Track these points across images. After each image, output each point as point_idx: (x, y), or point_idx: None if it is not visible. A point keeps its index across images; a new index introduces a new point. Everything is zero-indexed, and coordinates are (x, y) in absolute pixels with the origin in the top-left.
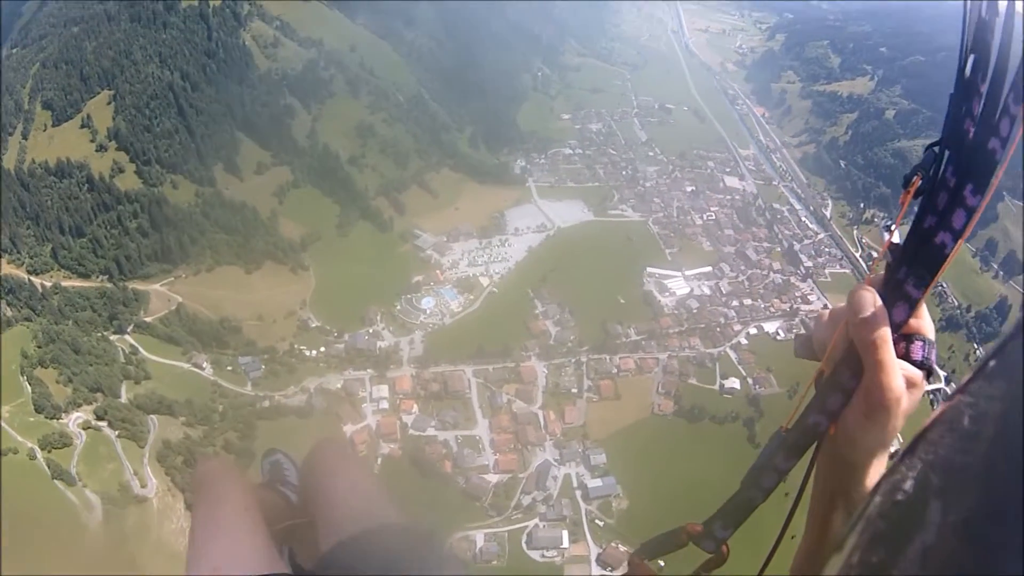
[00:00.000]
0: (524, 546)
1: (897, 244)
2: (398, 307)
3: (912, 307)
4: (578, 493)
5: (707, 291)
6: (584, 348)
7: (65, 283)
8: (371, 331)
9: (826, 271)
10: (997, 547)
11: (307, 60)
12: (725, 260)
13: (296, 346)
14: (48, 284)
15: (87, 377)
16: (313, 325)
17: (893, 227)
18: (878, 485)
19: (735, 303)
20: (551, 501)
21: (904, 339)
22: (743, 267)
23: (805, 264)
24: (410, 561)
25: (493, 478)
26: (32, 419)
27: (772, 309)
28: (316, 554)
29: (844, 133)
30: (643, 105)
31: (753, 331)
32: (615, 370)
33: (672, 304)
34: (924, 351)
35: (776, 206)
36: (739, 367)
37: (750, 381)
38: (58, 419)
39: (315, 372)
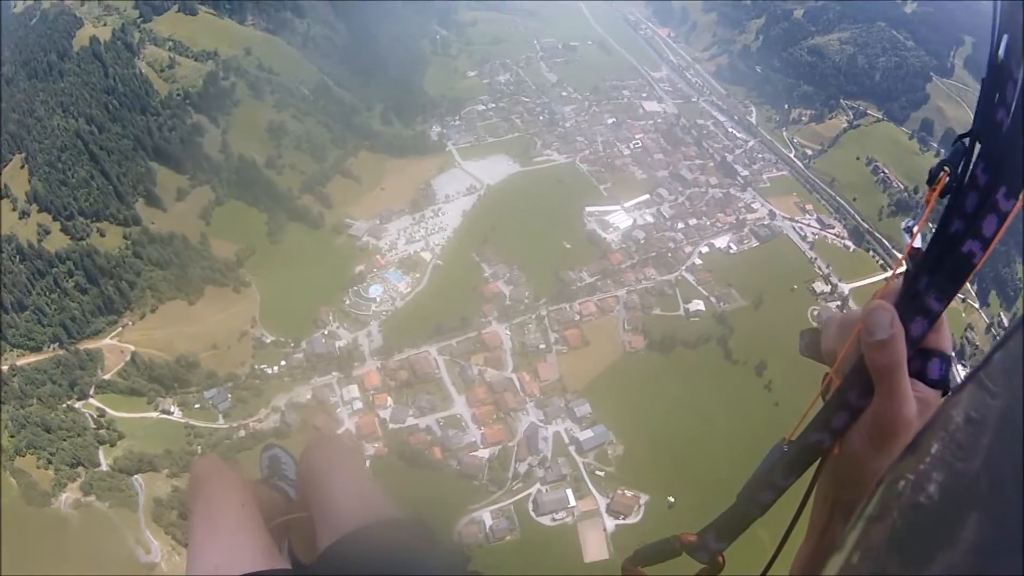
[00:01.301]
0: (532, 514)
1: (918, 249)
2: (347, 302)
3: (931, 322)
4: (571, 449)
5: (650, 219)
6: (541, 301)
7: (20, 362)
8: (326, 332)
9: (764, 176)
10: (1005, 551)
11: (206, 74)
12: (661, 185)
13: (256, 367)
14: (4, 368)
15: (64, 454)
16: (268, 341)
17: (915, 229)
18: (881, 481)
19: (681, 225)
20: (547, 463)
21: (920, 355)
22: (680, 188)
23: (742, 174)
24: (410, 555)
25: (484, 453)
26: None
27: (719, 224)
28: (314, 549)
29: (755, 39)
30: (547, 47)
31: (705, 249)
32: (577, 317)
33: (618, 239)
34: (941, 370)
35: (700, 122)
36: (699, 288)
37: (713, 300)
38: (49, 506)
39: (282, 388)
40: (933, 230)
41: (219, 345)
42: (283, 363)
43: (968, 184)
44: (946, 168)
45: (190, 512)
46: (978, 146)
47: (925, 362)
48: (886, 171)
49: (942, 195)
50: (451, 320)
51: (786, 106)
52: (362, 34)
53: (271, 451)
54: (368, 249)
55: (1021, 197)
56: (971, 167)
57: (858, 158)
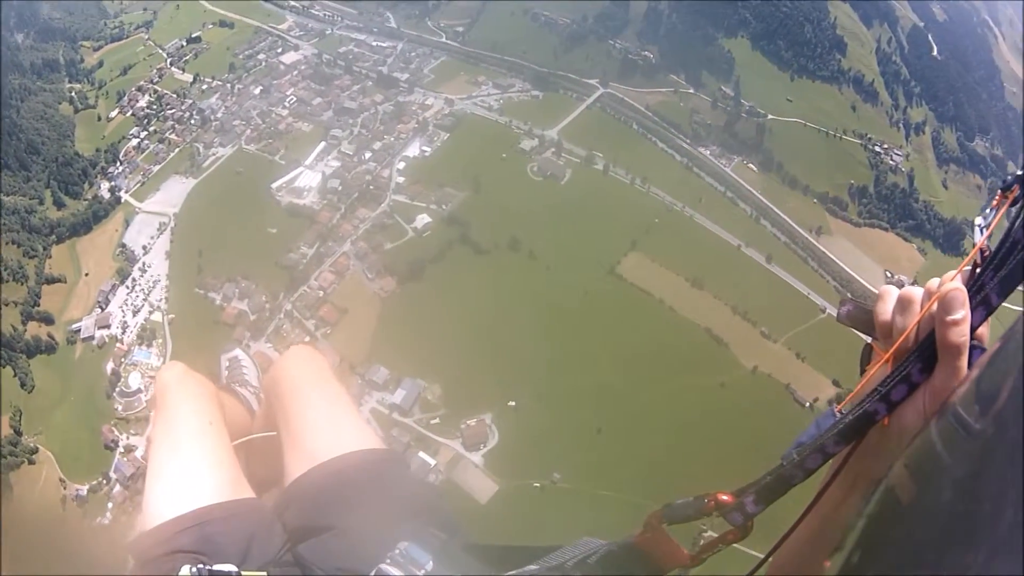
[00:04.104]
0: None
1: (987, 247)
2: (119, 408)
3: (989, 314)
4: (395, 415)
5: (336, 163)
6: (280, 297)
7: None
8: (122, 451)
9: (425, 71)
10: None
11: None
12: (331, 127)
13: (93, 523)
14: None
15: None
16: (85, 493)
17: (987, 230)
18: (882, 479)
19: (368, 155)
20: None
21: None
22: (351, 120)
23: (402, 79)
24: (387, 489)
25: None
26: None
27: (403, 135)
28: (276, 472)
29: None
30: (172, 51)
31: (401, 165)
32: (321, 293)
33: (317, 198)
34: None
35: (343, 50)
36: (416, 203)
37: (434, 207)
38: None
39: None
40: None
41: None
42: (110, 506)
43: None
44: (1019, 183)
45: (153, 424)
46: None
47: (971, 351)
48: (546, 14)
49: (1012, 204)
50: (212, 365)
51: None
52: (7, 128)
53: (231, 352)
54: (106, 343)
55: None
56: None
57: (513, 13)
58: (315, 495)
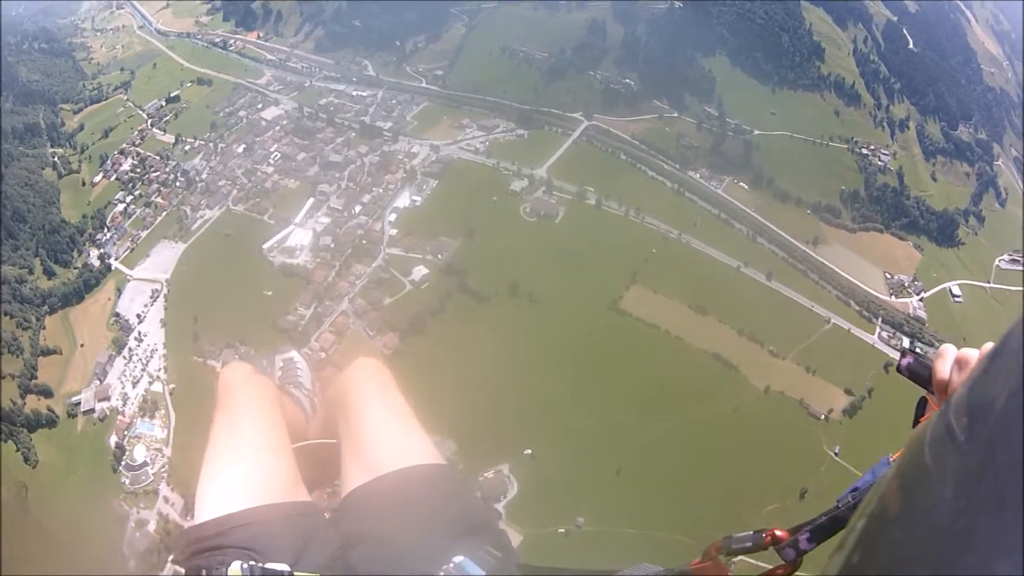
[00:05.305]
0: None
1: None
2: (126, 482)
3: None
4: None
5: (326, 220)
6: None
7: None
8: (133, 524)
9: (408, 118)
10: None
11: None
12: (318, 182)
13: None
14: None
15: None
16: None
17: None
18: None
19: (358, 208)
20: None
21: None
22: (337, 174)
23: (386, 128)
24: (446, 505)
25: None
26: None
27: (391, 186)
28: (329, 479)
29: None
30: (153, 111)
31: (393, 217)
32: (323, 354)
33: (308, 256)
34: None
35: (324, 102)
36: (411, 254)
37: (430, 257)
38: None
39: None
40: None
41: None
42: None
43: None
44: None
45: (215, 419)
46: None
47: None
48: (524, 50)
49: None
50: None
51: (398, 43)
52: None
53: (287, 353)
54: (107, 415)
55: None
56: None
57: (491, 52)
58: (375, 505)
